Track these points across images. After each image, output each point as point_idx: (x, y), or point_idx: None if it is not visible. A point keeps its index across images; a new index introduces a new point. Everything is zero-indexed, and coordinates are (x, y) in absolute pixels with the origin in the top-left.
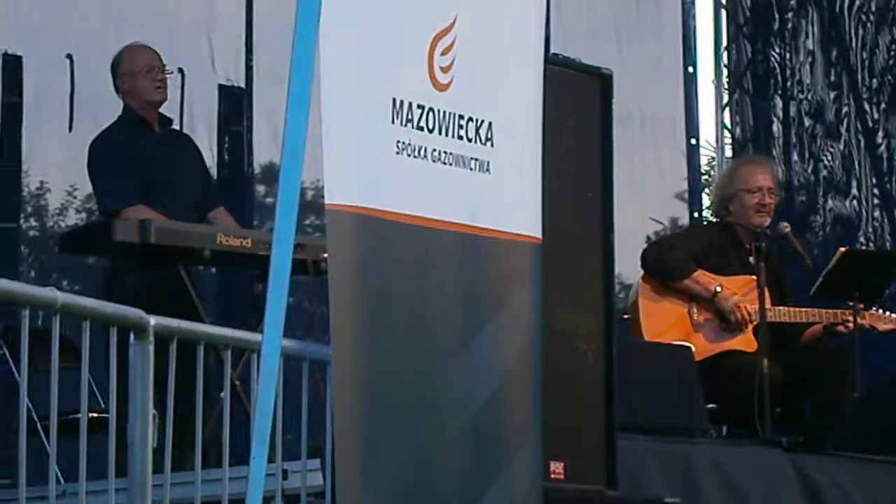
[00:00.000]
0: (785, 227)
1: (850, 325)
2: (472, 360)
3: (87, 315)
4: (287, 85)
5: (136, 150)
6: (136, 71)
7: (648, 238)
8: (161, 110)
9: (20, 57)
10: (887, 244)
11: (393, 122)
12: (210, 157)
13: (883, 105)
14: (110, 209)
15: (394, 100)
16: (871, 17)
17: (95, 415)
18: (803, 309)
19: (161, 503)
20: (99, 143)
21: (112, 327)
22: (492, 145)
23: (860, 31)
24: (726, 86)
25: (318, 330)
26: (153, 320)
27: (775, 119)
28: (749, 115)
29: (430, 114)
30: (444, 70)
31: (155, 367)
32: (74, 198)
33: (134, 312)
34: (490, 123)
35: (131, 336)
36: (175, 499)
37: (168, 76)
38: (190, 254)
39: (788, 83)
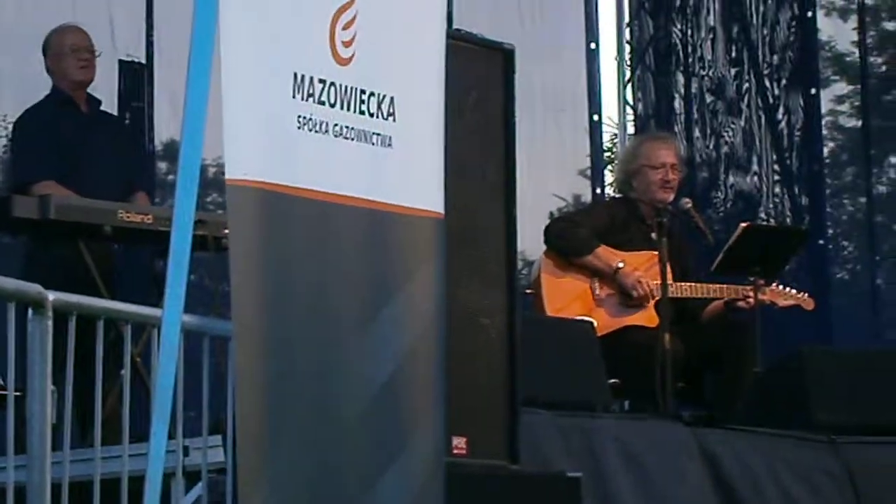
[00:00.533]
0: (686, 202)
1: (751, 300)
2: (376, 337)
3: None
4: (187, 61)
5: (60, 128)
6: (62, 52)
7: (551, 214)
8: None
9: None
10: (787, 220)
11: (294, 96)
12: None
13: (784, 81)
14: (21, 184)
15: (295, 74)
16: None
17: None
18: (705, 284)
19: (60, 480)
20: (23, 120)
21: (10, 303)
22: (394, 120)
23: (761, 8)
24: (629, 62)
25: (220, 306)
26: (52, 296)
27: (677, 95)
28: (651, 91)
29: (332, 88)
30: (346, 44)
31: (54, 343)
32: None
33: (32, 288)
34: (392, 98)
35: (30, 312)
36: (74, 476)
37: (97, 56)
38: (90, 230)
39: (690, 59)
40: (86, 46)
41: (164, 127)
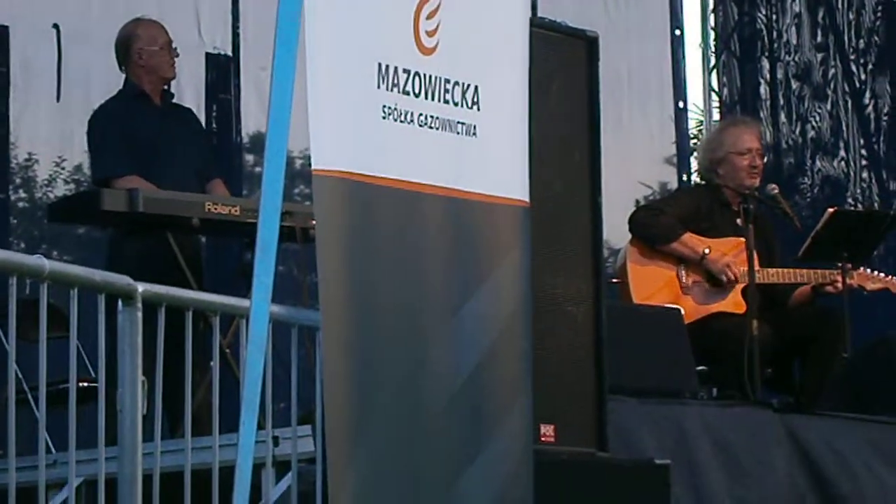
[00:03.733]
0: (773, 188)
1: (839, 285)
2: (463, 325)
3: (74, 283)
4: (273, 52)
5: (137, 122)
6: (155, 48)
7: (637, 202)
8: None
9: (6, 27)
10: (875, 204)
11: (379, 86)
12: None
13: (870, 66)
14: (104, 179)
15: (379, 64)
16: None
17: (85, 384)
18: (792, 270)
19: (151, 471)
20: (99, 115)
21: (100, 295)
22: (478, 109)
23: None
24: (713, 49)
25: (308, 298)
26: (141, 287)
27: (762, 81)
28: (736, 77)
29: (416, 78)
30: (430, 34)
31: (144, 334)
32: (63, 168)
33: (122, 280)
34: (476, 87)
35: (119, 303)
36: (165, 466)
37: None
38: (178, 222)
39: (775, 45)
40: (171, 42)
41: (251, 119)
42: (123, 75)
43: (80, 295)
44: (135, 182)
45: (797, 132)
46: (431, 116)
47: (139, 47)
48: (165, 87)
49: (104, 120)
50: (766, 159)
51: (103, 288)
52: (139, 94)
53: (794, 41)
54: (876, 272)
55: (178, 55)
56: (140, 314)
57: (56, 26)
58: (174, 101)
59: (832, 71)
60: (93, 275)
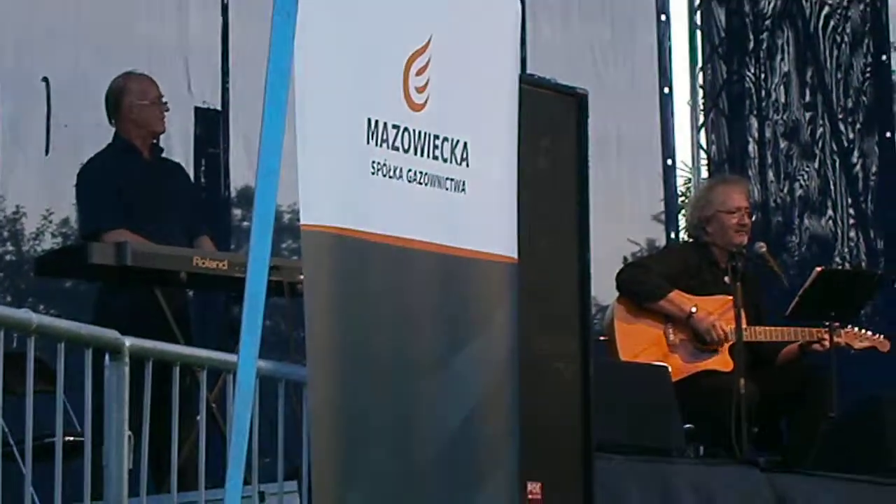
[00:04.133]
0: (761, 246)
1: (826, 343)
2: (451, 381)
3: (61, 336)
4: (262, 106)
5: (126, 176)
6: (146, 102)
7: (625, 259)
8: None
9: None
10: (863, 263)
11: (368, 142)
12: None
13: (858, 125)
14: (92, 233)
15: (369, 120)
16: (846, 38)
17: (71, 438)
18: (779, 328)
19: None
20: (88, 168)
21: (87, 349)
22: (467, 165)
23: (835, 52)
24: (702, 106)
25: (295, 352)
26: (128, 341)
27: (751, 139)
28: (725, 135)
29: (406, 134)
30: (419, 90)
31: (131, 389)
32: (50, 222)
33: (109, 334)
34: (465, 143)
35: (106, 358)
36: None
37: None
38: (166, 276)
39: (764, 103)
40: (161, 97)
41: (240, 173)
42: (113, 129)
43: (67, 349)
44: (123, 235)
45: (785, 190)
46: (420, 172)
47: (130, 101)
48: (155, 140)
49: (93, 173)
50: (754, 217)
51: (90, 342)
52: (129, 148)
53: (782, 100)
54: (863, 331)
55: (168, 110)
56: (127, 368)
57: (45, 79)
58: (163, 155)
59: (820, 130)
60: (80, 329)
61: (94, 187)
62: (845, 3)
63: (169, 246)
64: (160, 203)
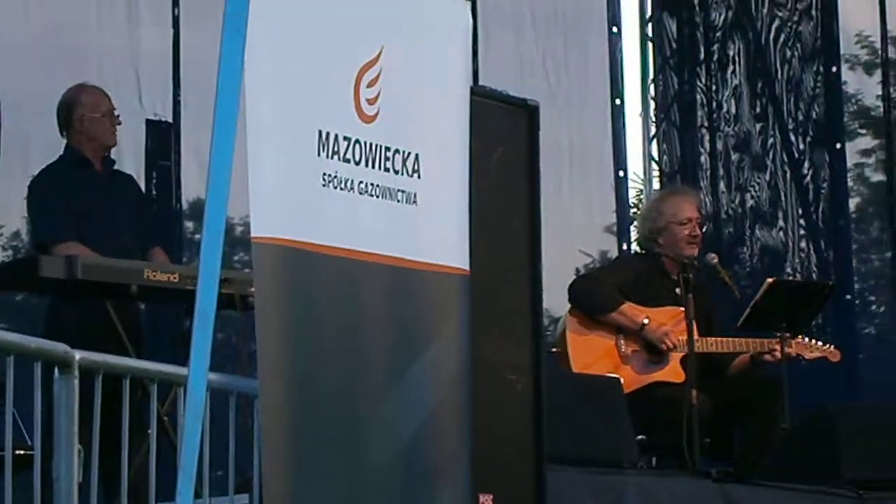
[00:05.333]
0: (712, 257)
1: (778, 354)
2: (402, 393)
3: (10, 350)
4: (213, 118)
5: (78, 189)
6: (97, 115)
7: (577, 271)
8: None
9: None
10: (814, 275)
11: (319, 154)
12: None
13: (809, 136)
14: (43, 244)
15: (319, 132)
16: (797, 50)
17: (20, 451)
18: (731, 339)
19: None
20: (39, 180)
21: (36, 362)
22: (419, 177)
23: (786, 64)
24: (653, 118)
25: (247, 365)
26: (78, 355)
27: (702, 150)
28: (676, 146)
29: (357, 146)
30: (370, 102)
31: (81, 402)
32: (0, 235)
33: (58, 347)
34: (417, 155)
35: (56, 371)
36: None
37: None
38: (117, 289)
39: (715, 115)
40: (114, 110)
41: (191, 186)
42: (64, 141)
43: (16, 362)
44: (74, 248)
45: (736, 202)
46: (372, 184)
47: (81, 114)
48: (106, 153)
49: (44, 185)
50: (705, 229)
51: (39, 356)
52: (80, 161)
53: (733, 111)
54: (814, 341)
55: (120, 123)
56: (77, 382)
57: None
58: (115, 167)
59: (771, 141)
60: (29, 342)
61: (45, 199)
62: (796, 16)
63: (120, 259)
64: (112, 215)
